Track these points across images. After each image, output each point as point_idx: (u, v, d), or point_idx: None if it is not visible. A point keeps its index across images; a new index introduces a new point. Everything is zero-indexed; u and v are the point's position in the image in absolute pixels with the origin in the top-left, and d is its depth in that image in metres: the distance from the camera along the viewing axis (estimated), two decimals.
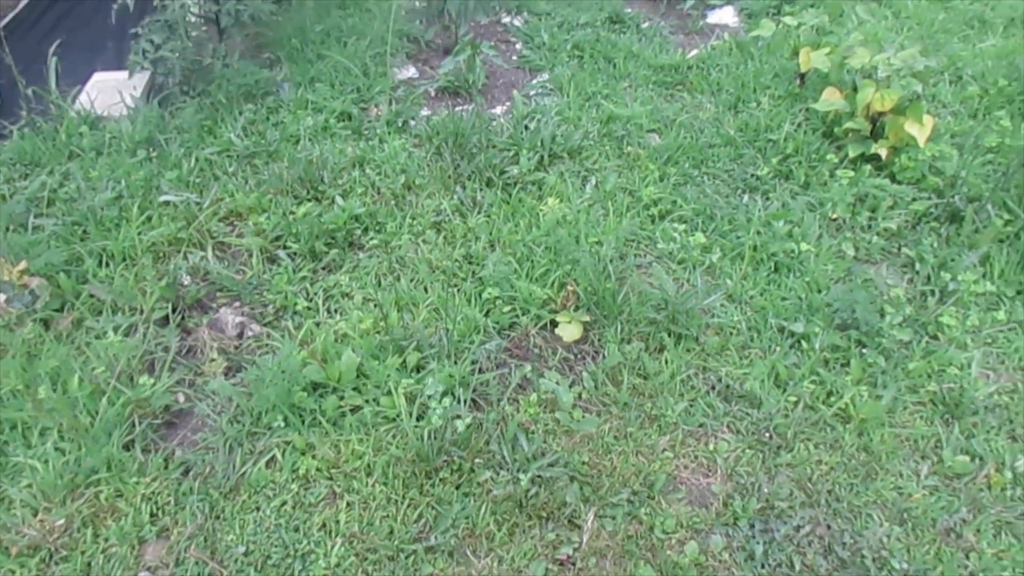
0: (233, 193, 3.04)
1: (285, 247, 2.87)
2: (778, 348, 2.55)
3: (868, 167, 3.23)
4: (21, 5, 4.24)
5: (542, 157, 3.32)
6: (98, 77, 3.61)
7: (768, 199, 3.21)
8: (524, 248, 2.85)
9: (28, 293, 2.58)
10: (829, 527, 2.05)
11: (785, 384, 2.43)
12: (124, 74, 3.45)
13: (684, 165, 3.37)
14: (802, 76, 3.81)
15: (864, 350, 2.54)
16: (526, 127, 3.49)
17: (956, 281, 2.76)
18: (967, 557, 2.00)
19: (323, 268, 2.84)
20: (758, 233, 2.98)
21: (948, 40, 4.45)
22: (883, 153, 3.21)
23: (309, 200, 3.04)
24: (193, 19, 3.59)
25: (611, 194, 3.15)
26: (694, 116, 3.71)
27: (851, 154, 3.26)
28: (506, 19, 4.69)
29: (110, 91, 3.43)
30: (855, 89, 3.33)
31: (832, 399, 2.38)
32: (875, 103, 3.11)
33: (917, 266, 2.88)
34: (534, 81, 4.05)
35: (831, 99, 3.41)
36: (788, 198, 3.19)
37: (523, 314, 2.65)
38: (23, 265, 2.58)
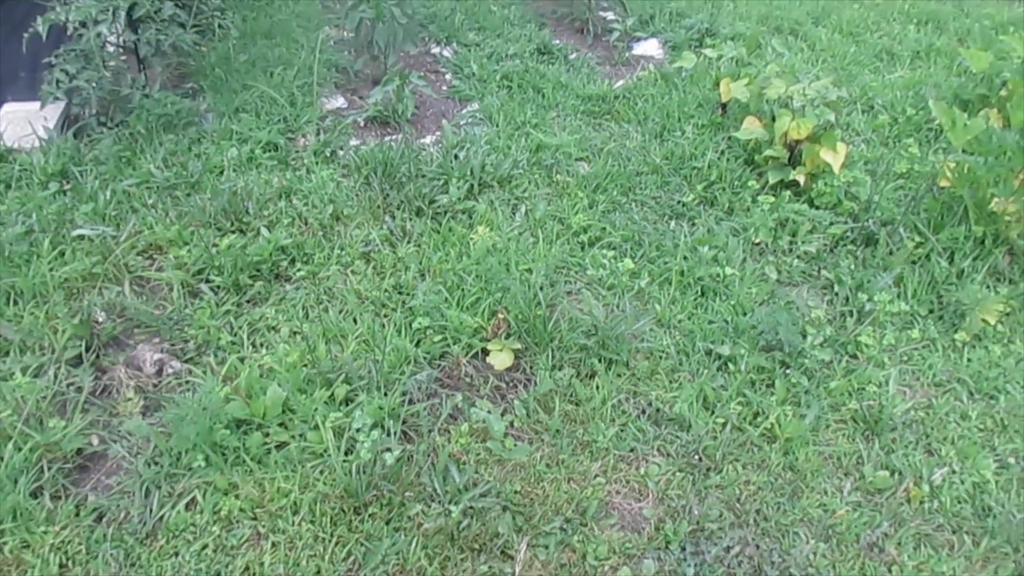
0: (152, 226, 2.94)
1: (208, 280, 2.79)
2: (706, 371, 2.59)
3: (788, 193, 3.35)
4: None
5: (472, 186, 3.33)
6: (8, 108, 3.46)
7: (694, 225, 3.29)
8: (454, 277, 2.84)
9: None
10: (758, 547, 2.08)
11: (713, 406, 2.47)
12: (36, 105, 3.31)
13: (612, 192, 3.43)
14: (723, 106, 3.94)
15: (788, 370, 2.61)
16: (456, 156, 3.50)
17: (872, 302, 2.86)
18: (889, 571, 2.05)
19: (248, 301, 2.77)
20: (685, 258, 3.04)
21: (860, 71, 4.69)
22: (801, 179, 3.34)
23: (233, 232, 2.97)
24: (111, 48, 3.49)
25: (541, 222, 3.17)
26: (621, 145, 3.79)
27: (771, 180, 3.37)
28: (436, 50, 4.72)
29: (21, 122, 3.29)
30: (773, 118, 3.46)
31: (759, 419, 2.43)
32: (792, 131, 3.24)
33: (836, 288, 2.98)
34: (464, 111, 4.07)
35: (751, 128, 3.53)
36: (713, 224, 3.27)
37: (454, 343, 2.63)
38: None
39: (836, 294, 2.96)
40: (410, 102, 3.90)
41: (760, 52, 4.62)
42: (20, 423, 2.21)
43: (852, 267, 3.04)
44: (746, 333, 2.72)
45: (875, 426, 2.43)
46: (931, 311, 2.90)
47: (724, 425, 2.40)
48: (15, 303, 2.61)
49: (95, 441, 2.29)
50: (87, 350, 2.50)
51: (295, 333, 2.64)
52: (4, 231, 2.76)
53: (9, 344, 2.47)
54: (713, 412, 2.45)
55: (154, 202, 3.08)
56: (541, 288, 2.77)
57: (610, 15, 5.34)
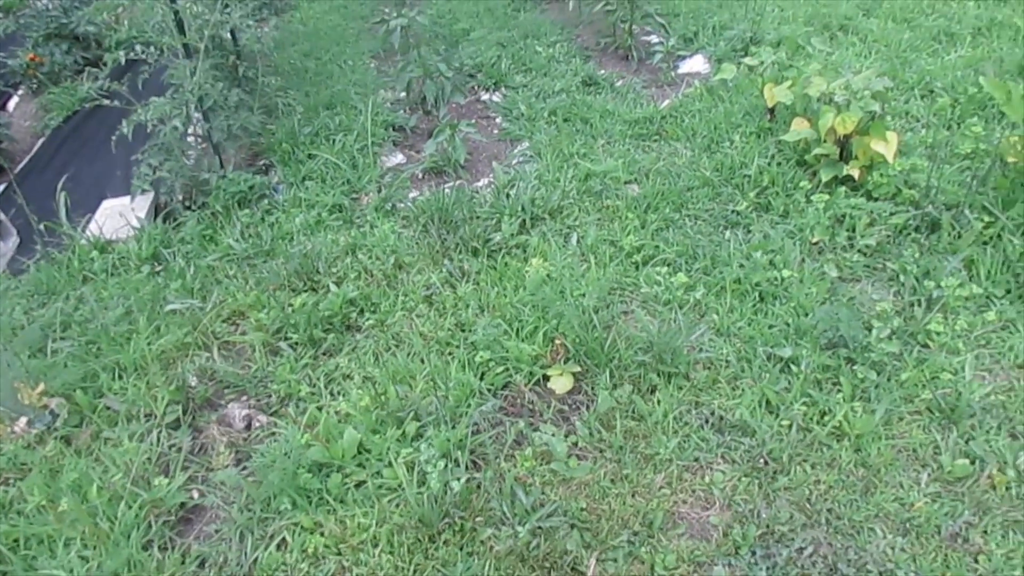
0: (234, 294, 3.20)
1: (286, 338, 3.00)
2: (767, 375, 2.57)
3: (843, 189, 3.30)
4: (36, 147, 4.60)
5: (524, 221, 3.45)
6: (106, 204, 3.87)
7: (749, 232, 3.28)
8: (512, 309, 2.94)
9: (48, 413, 2.73)
10: (832, 545, 2.04)
11: (777, 409, 2.44)
12: (133, 199, 3.69)
13: (665, 210, 3.47)
14: (771, 111, 3.93)
15: (854, 367, 2.55)
16: (507, 195, 3.64)
17: (940, 288, 2.77)
18: (976, 560, 1.97)
19: (323, 353, 2.96)
20: (741, 266, 3.04)
21: (916, 57, 4.57)
22: (855, 174, 3.28)
23: (306, 291, 3.19)
24: (190, 139, 3.85)
25: (593, 247, 3.25)
26: (670, 163, 3.83)
27: (824, 178, 3.33)
28: (485, 96, 4.92)
29: (117, 216, 3.67)
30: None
31: (826, 418, 2.39)
32: (838, 127, 3.20)
33: (901, 278, 2.90)
34: (515, 151, 4.23)
35: (799, 129, 3.51)
36: (768, 229, 3.25)
37: (516, 373, 2.72)
38: (41, 388, 2.74)
39: (902, 285, 2.88)
40: (462, 150, 4.08)
41: (808, 53, 4.58)
42: (129, 484, 2.44)
43: (917, 255, 2.95)
44: (808, 334, 2.68)
45: (952, 414, 2.34)
46: (1008, 291, 2.78)
47: (789, 427, 2.37)
48: (120, 377, 2.89)
49: (195, 495, 2.49)
50: (184, 413, 2.74)
51: (367, 379, 2.79)
52: (107, 314, 3.08)
53: (116, 415, 2.74)
54: (777, 415, 2.42)
55: (234, 272, 3.35)
56: (596, 311, 2.83)
57: (653, 38, 5.42)
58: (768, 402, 2.47)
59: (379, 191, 3.89)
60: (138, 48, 3.64)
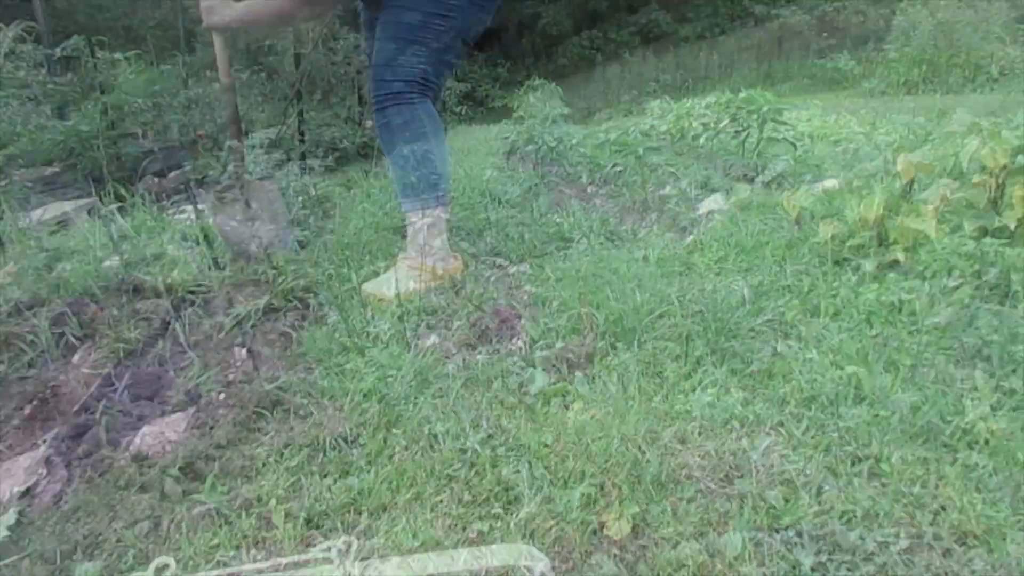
0: (266, 488, 3.02)
1: (318, 527, 2.76)
2: (856, 480, 2.20)
3: (891, 275, 3.06)
4: (91, 390, 4.73)
5: (559, 369, 3.27)
6: (146, 429, 3.84)
7: (802, 340, 3.02)
8: (555, 458, 2.67)
9: None
10: None
11: (877, 517, 2.05)
12: (171, 417, 3.67)
13: (708, 335, 3.25)
14: (797, 221, 3.81)
15: (957, 455, 2.17)
16: (539, 348, 3.49)
17: None
18: None
19: (361, 534, 2.69)
20: (800, 373, 2.76)
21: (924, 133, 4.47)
22: (900, 257, 3.06)
23: (339, 478, 2.99)
24: (226, 350, 3.89)
25: (634, 383, 3.01)
26: (701, 289, 3.67)
27: (868, 268, 3.11)
28: (512, 269, 4.94)
29: (156, 434, 3.63)
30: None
31: (938, 518, 1.98)
32: (864, 212, 3.05)
33: (985, 351, 2.57)
34: (545, 309, 4.12)
35: (828, 228, 3.36)
36: (822, 332, 2.99)
37: (566, 525, 2.40)
38: None
39: (987, 358, 2.54)
40: (492, 319, 4.01)
41: (818, 163, 4.55)
42: None
43: (995, 323, 2.63)
44: (892, 428, 2.34)
45: None
46: None
47: (896, 535, 1.97)
48: None
49: None
50: None
51: (404, 555, 2.50)
52: (136, 528, 2.91)
53: None
54: (878, 524, 2.03)
55: (267, 468, 3.20)
56: (645, 444, 2.55)
57: (667, 189, 5.51)
58: (865, 511, 2.08)
59: (413, 368, 3.78)
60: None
